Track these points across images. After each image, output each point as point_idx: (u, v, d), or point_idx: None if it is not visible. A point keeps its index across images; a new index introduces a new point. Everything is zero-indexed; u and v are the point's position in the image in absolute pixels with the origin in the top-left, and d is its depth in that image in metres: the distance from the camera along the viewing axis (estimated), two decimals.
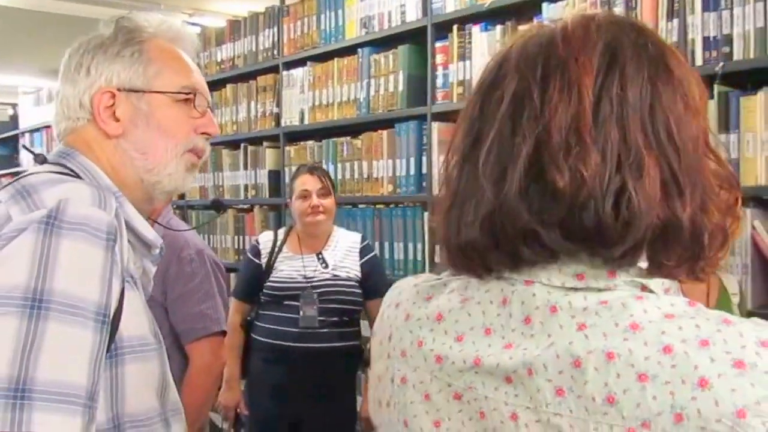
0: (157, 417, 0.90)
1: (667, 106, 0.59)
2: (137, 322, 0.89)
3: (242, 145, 3.47)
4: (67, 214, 0.79)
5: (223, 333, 1.89)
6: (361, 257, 2.47)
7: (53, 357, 0.75)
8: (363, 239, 2.54)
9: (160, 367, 0.92)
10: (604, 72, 0.59)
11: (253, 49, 3.40)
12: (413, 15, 2.64)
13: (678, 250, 0.57)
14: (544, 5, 2.26)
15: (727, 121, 1.94)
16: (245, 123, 3.47)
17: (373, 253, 2.53)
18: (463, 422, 0.62)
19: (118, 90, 0.95)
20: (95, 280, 0.79)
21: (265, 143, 3.35)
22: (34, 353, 0.74)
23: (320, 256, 2.43)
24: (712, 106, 1.96)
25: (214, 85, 3.65)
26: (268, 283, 2.45)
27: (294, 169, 3.11)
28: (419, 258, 2.58)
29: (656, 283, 0.58)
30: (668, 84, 0.60)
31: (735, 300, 1.75)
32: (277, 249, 2.46)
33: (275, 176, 3.28)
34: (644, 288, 0.58)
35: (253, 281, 2.50)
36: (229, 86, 3.57)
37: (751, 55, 1.89)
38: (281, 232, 2.55)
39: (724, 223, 0.59)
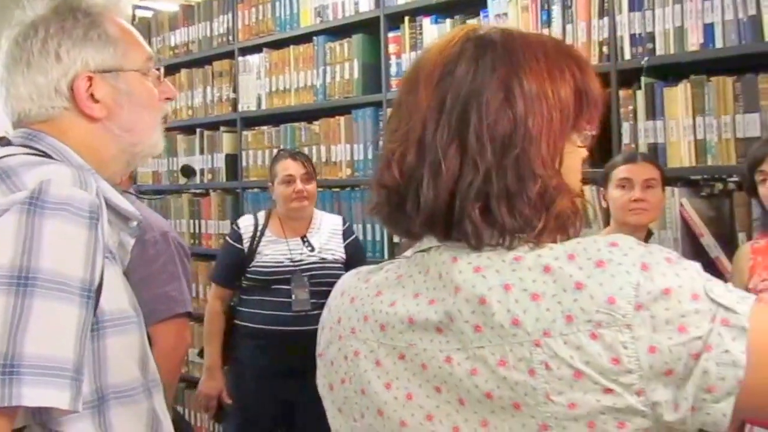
0: (140, 387, 0.92)
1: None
2: (117, 296, 0.91)
3: (198, 130, 3.49)
4: (50, 194, 0.81)
5: (188, 314, 1.89)
6: (345, 239, 2.51)
7: (40, 332, 0.77)
8: (344, 222, 2.58)
9: (140, 338, 0.94)
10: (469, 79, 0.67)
11: (208, 35, 3.42)
12: (366, 6, 2.75)
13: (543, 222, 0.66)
14: (489, 0, 2.42)
15: (654, 110, 2.15)
16: (201, 108, 3.49)
17: (355, 235, 2.57)
18: (409, 379, 0.68)
19: (95, 71, 0.94)
20: (80, 258, 0.81)
21: (222, 128, 3.38)
22: (21, 329, 0.75)
23: (305, 240, 2.45)
24: (640, 96, 2.17)
25: (168, 70, 3.58)
26: (253, 268, 2.44)
27: (252, 153, 3.23)
28: (378, 238, 2.72)
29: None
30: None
31: None
32: (259, 233, 2.44)
33: (232, 160, 3.32)
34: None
35: (235, 267, 2.47)
36: (183, 71, 3.57)
37: (672, 51, 2.10)
38: (261, 215, 2.52)
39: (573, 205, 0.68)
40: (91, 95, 0.94)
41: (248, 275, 2.45)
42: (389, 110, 2.60)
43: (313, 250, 2.44)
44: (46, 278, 0.78)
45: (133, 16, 3.91)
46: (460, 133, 0.66)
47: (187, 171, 2.19)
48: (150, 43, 3.71)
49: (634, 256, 0.60)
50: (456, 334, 0.64)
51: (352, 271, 0.79)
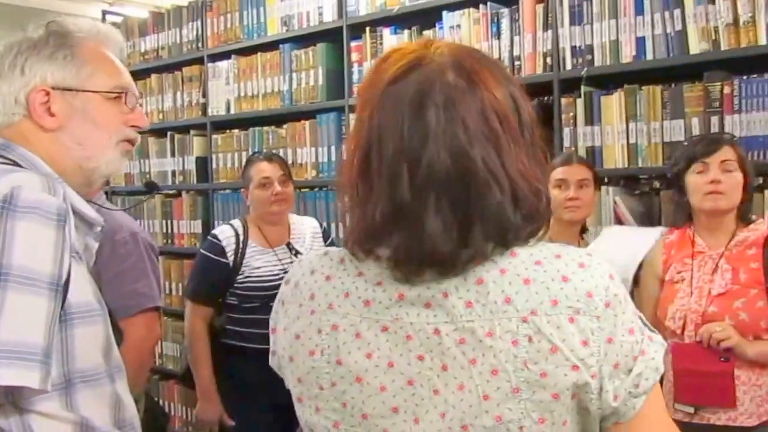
0: (104, 373, 0.98)
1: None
2: (83, 290, 0.97)
3: (169, 133, 3.57)
4: (21, 199, 0.87)
5: (157, 308, 1.93)
6: (325, 241, 2.46)
7: (13, 321, 0.83)
8: (320, 223, 2.52)
9: (104, 329, 1.01)
10: (442, 120, 0.73)
11: (178, 41, 3.50)
12: (330, 16, 2.89)
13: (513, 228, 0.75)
14: (444, 13, 2.58)
15: (592, 116, 2.33)
16: (171, 112, 3.57)
17: (332, 236, 2.53)
18: (391, 349, 0.74)
19: (53, 88, 1.01)
20: (48, 255, 0.88)
21: (192, 131, 3.47)
22: None
23: (291, 247, 2.32)
24: (580, 103, 2.35)
25: (138, 75, 3.69)
26: (245, 283, 2.28)
27: (221, 156, 3.34)
28: (341, 235, 2.86)
29: None
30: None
31: None
32: (242, 244, 2.28)
33: (203, 162, 3.42)
34: None
35: (220, 282, 2.29)
36: (153, 76, 3.65)
37: (608, 62, 2.28)
38: (237, 224, 2.36)
39: (530, 219, 0.76)
40: (48, 109, 1.01)
41: (237, 291, 2.30)
42: (351, 115, 2.80)
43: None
44: (18, 273, 0.85)
45: (103, 21, 3.97)
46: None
47: (151, 186, 2.19)
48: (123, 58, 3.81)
49: (605, 267, 0.73)
50: (446, 308, 0.72)
51: (319, 252, 0.84)
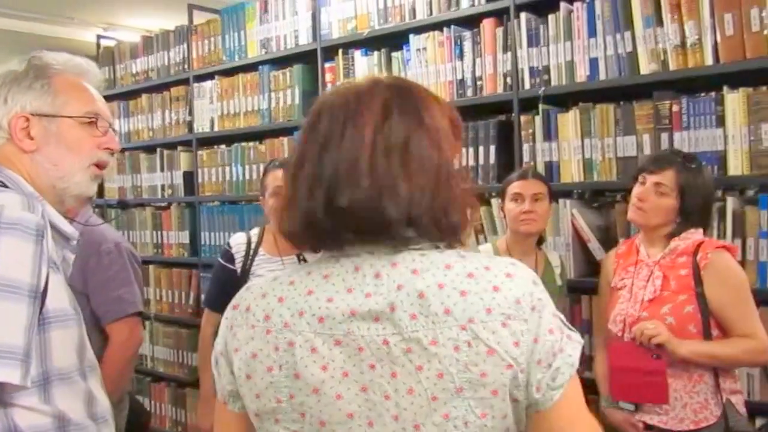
0: (77, 371, 1.07)
1: (418, 145, 0.82)
2: (59, 298, 1.06)
3: (158, 149, 3.72)
4: (4, 216, 0.97)
5: (139, 314, 2.03)
6: None
7: None
8: None
9: (78, 332, 1.09)
10: (380, 121, 0.82)
11: (165, 63, 3.65)
12: (305, 39, 3.03)
13: (437, 232, 0.83)
14: (410, 36, 2.70)
15: (549, 133, 2.43)
16: (160, 129, 3.72)
17: None
18: (344, 360, 0.80)
19: (32, 115, 1.12)
20: (28, 266, 0.98)
21: (179, 147, 3.61)
22: None
23: (301, 257, 2.19)
24: (538, 121, 2.45)
25: (130, 95, 3.89)
26: None
27: (206, 170, 3.48)
28: None
29: (440, 244, 0.86)
30: (420, 130, 0.83)
31: (557, 271, 2.22)
32: (252, 251, 2.26)
33: (189, 177, 3.55)
34: (436, 246, 0.85)
35: (228, 289, 2.05)
36: (144, 96, 3.79)
37: (564, 82, 2.39)
38: (254, 232, 2.32)
39: (465, 215, 0.85)
40: (28, 133, 1.13)
41: None
42: None
43: None
44: (1, 283, 0.95)
45: (98, 45, 4.13)
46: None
47: (123, 204, 2.27)
48: (113, 70, 3.97)
49: (528, 275, 0.82)
50: (393, 321, 0.78)
51: (267, 278, 0.90)
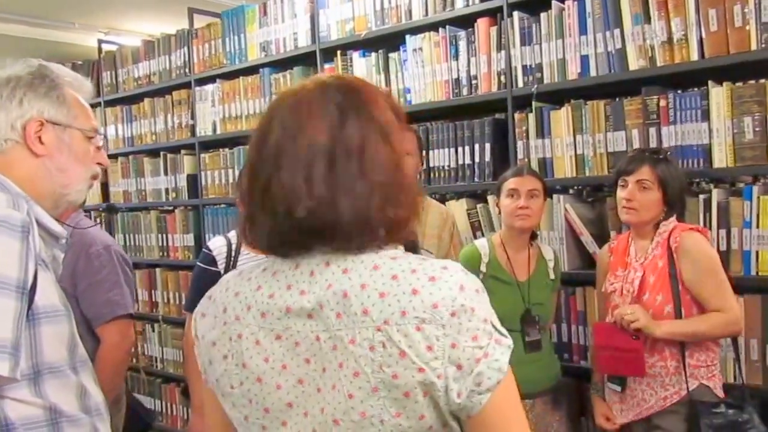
0: (67, 365, 1.10)
1: (373, 147, 0.83)
2: (49, 294, 1.08)
3: (162, 153, 3.77)
4: None
5: (130, 316, 2.03)
6: None
7: None
8: None
9: (69, 328, 1.11)
10: (333, 127, 0.82)
11: (167, 68, 3.71)
12: (304, 41, 3.09)
13: (382, 231, 0.84)
14: (407, 37, 2.75)
15: (543, 129, 2.49)
16: (163, 133, 3.78)
17: None
18: (284, 354, 0.84)
19: (47, 121, 1.16)
20: (15, 262, 0.99)
21: (182, 151, 3.67)
22: None
23: None
24: (531, 118, 2.51)
25: (133, 100, 3.95)
26: None
27: (209, 173, 3.54)
28: None
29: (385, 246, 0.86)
30: (372, 129, 0.84)
31: (551, 264, 2.27)
32: (234, 252, 2.24)
33: (193, 180, 3.61)
34: (379, 247, 0.85)
35: None
36: (146, 100, 3.85)
37: (556, 79, 2.44)
38: (232, 235, 2.32)
39: (409, 213, 0.86)
40: (39, 138, 1.16)
41: None
42: None
43: None
44: None
45: (99, 50, 4.18)
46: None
47: (111, 209, 2.26)
48: (115, 75, 4.04)
49: (457, 279, 0.79)
50: (323, 319, 0.81)
51: (235, 271, 0.95)
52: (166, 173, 3.77)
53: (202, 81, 3.53)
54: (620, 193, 2.02)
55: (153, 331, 3.88)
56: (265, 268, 0.89)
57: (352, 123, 0.83)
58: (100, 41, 4.24)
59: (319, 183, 0.81)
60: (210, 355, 0.91)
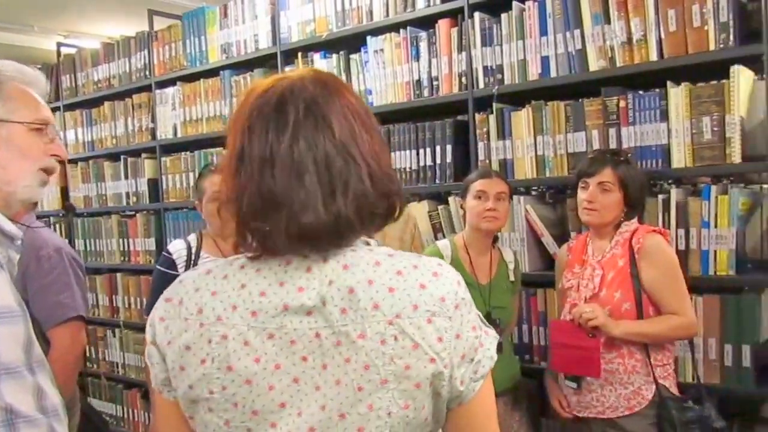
0: (24, 366, 1.07)
1: (360, 139, 0.84)
2: (5, 295, 1.07)
3: (122, 157, 3.71)
4: None
5: (81, 318, 2.00)
6: None
7: None
8: None
9: (24, 329, 1.09)
10: (315, 126, 0.82)
11: (127, 70, 3.64)
12: (265, 43, 3.04)
13: (373, 225, 0.87)
14: (368, 38, 2.73)
15: (504, 131, 2.47)
16: (124, 137, 3.71)
17: None
18: (277, 353, 0.82)
19: None
20: None
21: (143, 155, 3.60)
22: None
23: None
24: (492, 119, 2.49)
25: (93, 103, 3.87)
26: None
27: (171, 177, 3.47)
28: None
29: (371, 241, 0.89)
30: (350, 120, 0.84)
31: (511, 266, 2.26)
32: (194, 255, 2.24)
33: (154, 184, 3.55)
34: (367, 243, 0.88)
35: None
36: (106, 104, 3.78)
37: (517, 81, 2.43)
38: (192, 238, 2.32)
39: (400, 201, 0.89)
40: None
41: None
42: None
43: None
44: None
45: (59, 53, 4.10)
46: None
47: (69, 210, 2.21)
48: (75, 79, 3.95)
49: (453, 275, 0.86)
50: (325, 315, 0.81)
51: (200, 271, 0.90)
52: (126, 177, 3.70)
53: (163, 84, 3.47)
54: (581, 195, 2.02)
55: (114, 336, 3.81)
56: (243, 266, 0.87)
57: (331, 121, 0.83)
58: (59, 44, 4.17)
59: (314, 184, 0.81)
60: (182, 360, 0.86)
